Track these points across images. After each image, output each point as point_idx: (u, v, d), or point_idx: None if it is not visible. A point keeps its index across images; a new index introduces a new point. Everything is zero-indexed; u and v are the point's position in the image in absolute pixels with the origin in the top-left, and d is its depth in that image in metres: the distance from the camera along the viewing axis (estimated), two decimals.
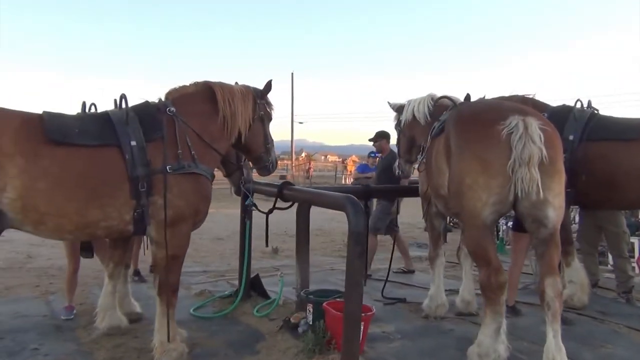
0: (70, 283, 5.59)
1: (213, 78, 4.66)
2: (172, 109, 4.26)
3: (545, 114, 5.56)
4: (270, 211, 5.50)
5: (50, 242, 10.03)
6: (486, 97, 5.66)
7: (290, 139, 46.60)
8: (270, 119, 4.97)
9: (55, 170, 3.78)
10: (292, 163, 42.70)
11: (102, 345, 4.70)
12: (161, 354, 4.23)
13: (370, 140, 8.16)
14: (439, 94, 5.60)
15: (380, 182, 7.65)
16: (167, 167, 4.08)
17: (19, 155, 3.70)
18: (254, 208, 5.71)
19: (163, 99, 4.42)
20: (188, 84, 4.57)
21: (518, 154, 3.67)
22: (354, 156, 50.20)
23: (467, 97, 5.42)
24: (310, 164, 37.64)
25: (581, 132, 5.55)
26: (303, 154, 63.69)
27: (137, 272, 7.20)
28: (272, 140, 5.01)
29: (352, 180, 13.49)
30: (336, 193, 4.70)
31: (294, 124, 45.44)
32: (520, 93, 5.99)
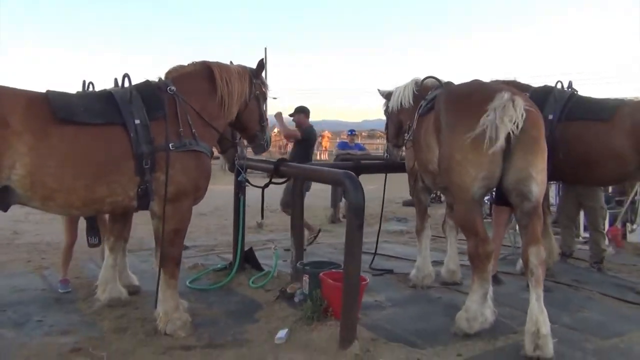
0: (66, 256, 5.70)
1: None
2: (173, 87, 4.38)
3: (527, 94, 5.84)
4: (266, 185, 5.71)
5: (35, 219, 10.10)
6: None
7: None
8: (265, 98, 5.14)
9: (63, 148, 3.89)
10: None
11: (105, 316, 4.86)
12: (165, 323, 4.40)
13: (290, 115, 8.39)
14: (421, 77, 5.81)
15: (297, 154, 7.89)
16: (170, 145, 4.22)
17: (27, 133, 3.79)
18: (247, 184, 5.90)
19: (163, 78, 4.53)
20: (187, 64, 4.70)
21: (495, 106, 3.89)
22: (327, 132, 50.17)
23: (450, 82, 5.62)
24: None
25: (560, 112, 5.82)
26: (276, 130, 63.36)
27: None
28: (267, 119, 5.19)
29: (335, 155, 13.69)
30: (334, 169, 4.90)
31: (268, 99, 45.06)
32: (499, 78, 6.25)
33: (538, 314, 3.95)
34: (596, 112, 5.77)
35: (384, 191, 6.75)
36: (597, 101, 6.05)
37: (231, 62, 5.02)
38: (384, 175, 6.87)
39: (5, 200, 3.93)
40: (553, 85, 6.17)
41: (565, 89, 6.10)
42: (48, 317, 4.83)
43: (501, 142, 3.86)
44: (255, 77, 4.99)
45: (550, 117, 5.81)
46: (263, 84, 5.10)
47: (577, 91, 6.12)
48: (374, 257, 6.62)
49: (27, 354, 4.01)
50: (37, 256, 7.32)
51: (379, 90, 6.45)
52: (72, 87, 5.11)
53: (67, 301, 5.32)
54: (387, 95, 6.25)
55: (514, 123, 3.86)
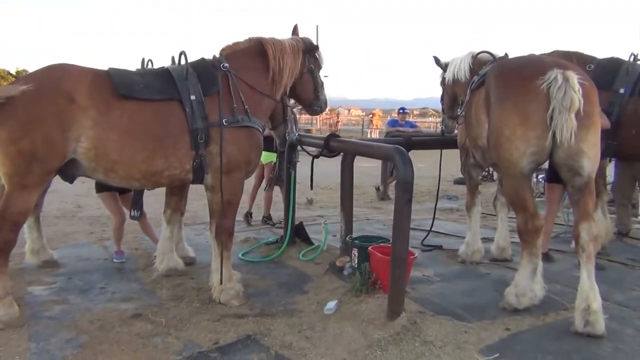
0: (117, 233, 6.00)
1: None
2: (226, 64, 4.51)
3: (592, 66, 5.64)
4: (317, 156, 5.82)
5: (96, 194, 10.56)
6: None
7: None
8: (320, 68, 5.21)
9: (124, 122, 4.09)
10: (318, 117, 42.74)
11: (163, 285, 5.11)
12: (219, 293, 4.60)
13: None
14: (477, 51, 5.70)
15: None
16: (223, 120, 4.36)
17: (92, 108, 4.01)
18: (298, 160, 6.02)
19: (217, 55, 4.65)
20: (241, 41, 4.80)
21: (559, 101, 3.83)
22: (378, 110, 49.79)
23: (506, 55, 5.52)
24: (338, 118, 37.61)
25: (632, 86, 5.59)
26: (327, 108, 63.38)
27: (250, 215, 8.15)
28: (322, 84, 5.27)
29: (384, 133, 13.65)
30: (384, 144, 4.94)
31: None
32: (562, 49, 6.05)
33: (589, 290, 3.91)
34: None
35: (440, 167, 6.71)
36: None
37: (295, 31, 5.11)
38: (434, 154, 6.84)
39: (71, 172, 4.21)
40: (622, 58, 5.91)
41: (636, 62, 5.83)
42: (110, 285, 5.12)
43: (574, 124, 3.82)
44: (309, 51, 5.04)
45: (622, 91, 5.58)
46: (318, 55, 5.16)
47: None
48: (428, 234, 6.65)
49: (91, 318, 4.27)
50: (99, 228, 7.70)
51: (435, 59, 6.32)
52: (132, 65, 5.37)
53: (128, 271, 5.61)
54: (444, 67, 6.17)
55: (578, 103, 3.82)
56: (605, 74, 5.57)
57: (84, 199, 10.04)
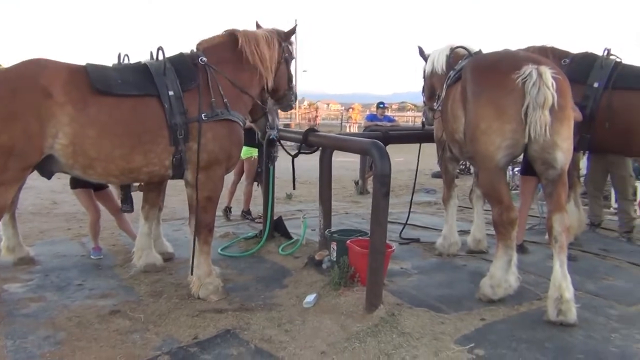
0: (93, 230, 5.93)
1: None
2: (204, 58, 4.49)
3: (567, 60, 5.74)
4: (296, 155, 5.85)
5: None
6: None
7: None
8: (293, 58, 5.23)
9: (102, 118, 4.06)
10: (297, 111, 42.74)
11: (142, 281, 5.09)
12: (199, 288, 4.60)
13: None
14: (456, 44, 5.75)
15: None
16: (202, 115, 4.35)
17: (69, 104, 3.97)
18: (277, 155, 6.03)
19: (195, 50, 4.63)
20: (216, 35, 4.78)
21: (533, 98, 3.92)
22: (357, 104, 49.93)
23: (480, 50, 5.57)
24: (317, 113, 37.67)
25: (606, 80, 5.70)
26: (305, 103, 63.45)
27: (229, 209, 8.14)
28: (292, 77, 5.30)
29: (363, 127, 13.71)
30: (361, 139, 4.98)
31: (297, 72, 45.23)
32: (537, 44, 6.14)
33: (561, 280, 4.01)
34: None
35: (418, 161, 6.76)
36: None
37: (257, 24, 5.11)
38: (412, 147, 6.90)
39: (49, 168, 4.17)
40: (596, 53, 6.02)
41: (609, 56, 5.95)
42: (88, 281, 5.08)
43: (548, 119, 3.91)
44: (284, 40, 5.03)
45: (596, 85, 5.69)
46: (291, 45, 5.15)
47: (620, 59, 5.97)
48: (404, 227, 6.72)
49: (68, 315, 4.24)
50: (75, 225, 7.62)
51: (420, 49, 6.32)
52: (108, 60, 5.27)
53: (106, 267, 5.57)
54: (426, 58, 6.20)
55: (552, 100, 3.91)
56: (579, 69, 5.69)
57: (59, 195, 9.91)
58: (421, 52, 6.29)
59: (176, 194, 8.79)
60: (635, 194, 7.66)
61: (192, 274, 4.66)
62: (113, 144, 4.09)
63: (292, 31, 5.12)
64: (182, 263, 5.44)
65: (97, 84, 4.07)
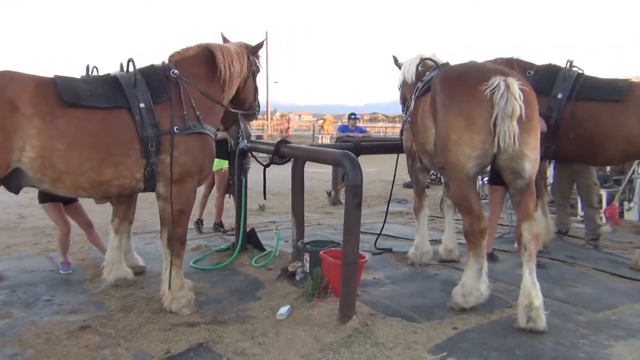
0: (63, 244, 5.82)
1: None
2: (176, 71, 4.48)
3: (531, 72, 5.90)
4: (268, 165, 5.86)
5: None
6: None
7: (265, 98, 46.53)
8: (259, 71, 5.30)
9: (71, 130, 4.00)
10: (269, 122, 42.68)
11: (112, 295, 5.01)
12: (171, 301, 4.55)
13: None
14: (426, 55, 5.82)
15: None
16: (175, 128, 4.33)
17: (36, 116, 3.90)
18: (249, 166, 6.03)
19: (166, 62, 4.62)
20: (190, 47, 4.78)
21: (501, 109, 4.00)
22: (329, 115, 50.15)
23: (447, 63, 5.64)
24: (289, 124, 37.71)
25: (569, 91, 5.86)
26: (277, 114, 63.51)
27: (201, 222, 8.05)
28: (258, 89, 5.39)
29: (335, 138, 13.78)
30: (333, 150, 5.02)
31: (269, 83, 45.26)
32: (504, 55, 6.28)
33: (531, 288, 4.08)
34: (608, 92, 5.79)
35: (395, 171, 6.79)
36: (606, 81, 6.08)
37: (222, 35, 5.19)
38: (384, 158, 6.96)
39: (16, 182, 4.08)
40: (559, 64, 6.19)
41: (571, 68, 6.11)
42: (57, 296, 4.98)
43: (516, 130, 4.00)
44: (252, 53, 5.10)
45: (560, 96, 5.85)
46: (258, 58, 5.22)
47: (583, 70, 6.14)
48: (378, 237, 6.75)
49: (37, 332, 4.14)
50: (43, 239, 7.47)
51: (394, 58, 6.35)
52: (77, 72, 5.22)
53: (75, 282, 5.47)
54: (400, 67, 6.23)
55: (519, 110, 4.00)
56: (544, 80, 5.83)
57: (27, 210, 9.71)
58: (395, 62, 6.33)
59: (147, 206, 8.69)
60: (600, 201, 7.87)
61: (165, 287, 4.61)
62: (82, 157, 4.04)
63: (260, 45, 5.19)
64: (154, 277, 5.36)
65: (65, 96, 4.02)
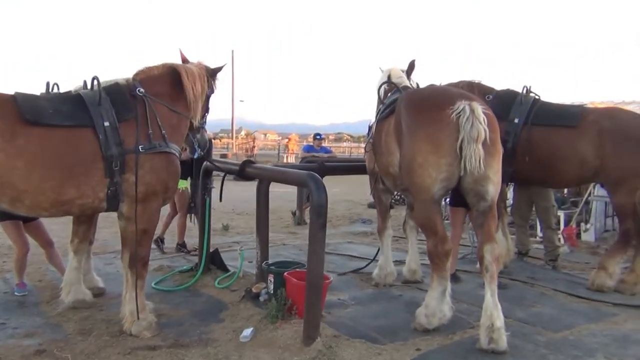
0: (20, 265, 5.66)
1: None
2: (142, 89, 4.45)
3: (490, 96, 6.07)
4: (225, 175, 5.93)
5: None
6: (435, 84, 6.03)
7: (230, 117, 46.42)
8: (213, 92, 5.27)
9: (31, 149, 3.91)
10: (234, 141, 42.49)
11: (70, 318, 4.87)
12: (131, 324, 4.44)
13: None
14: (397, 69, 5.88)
15: None
16: (140, 147, 4.28)
17: None
18: (213, 186, 5.99)
19: (131, 80, 4.58)
20: (154, 66, 4.76)
21: (467, 133, 4.08)
22: (294, 134, 50.31)
23: (406, 87, 5.72)
24: (254, 143, 37.62)
25: (525, 116, 6.05)
26: (243, 133, 63.31)
27: (162, 240, 7.86)
28: (209, 110, 5.37)
29: (300, 158, 13.81)
30: (298, 170, 5.03)
31: (234, 102, 45.22)
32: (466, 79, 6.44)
33: (492, 309, 4.14)
34: (563, 118, 6.03)
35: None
36: (561, 107, 6.33)
37: (181, 52, 5.15)
38: (349, 178, 6.99)
39: None
40: (516, 90, 6.38)
41: (528, 93, 6.32)
42: (11, 319, 4.81)
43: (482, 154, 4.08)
44: (211, 76, 5.11)
45: (516, 120, 6.05)
46: (215, 81, 5.23)
47: (539, 96, 6.35)
48: (369, 263, 6.64)
49: None
50: None
51: (380, 69, 6.29)
52: (36, 89, 5.11)
53: (31, 304, 5.30)
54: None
55: (484, 134, 4.09)
56: (502, 105, 6.00)
57: None
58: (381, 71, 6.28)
59: (108, 225, 8.51)
60: (558, 223, 8.08)
61: (125, 309, 4.50)
62: (43, 176, 3.95)
63: (219, 69, 5.21)
64: (114, 298, 5.23)
65: (26, 114, 3.93)
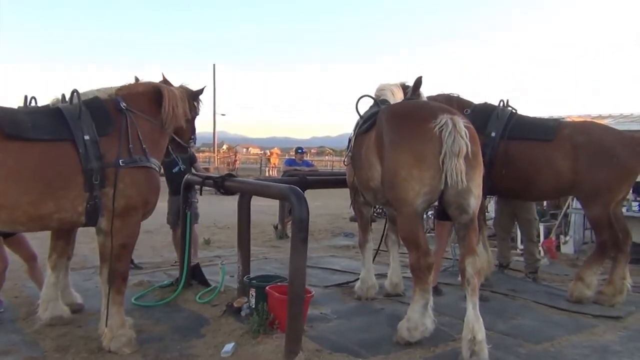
0: None
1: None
2: (124, 104, 4.44)
3: (468, 110, 6.14)
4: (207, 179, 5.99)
5: None
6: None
7: (212, 131, 46.38)
8: (198, 114, 5.44)
9: (9, 163, 3.86)
10: (216, 155, 42.36)
11: (47, 335, 4.78)
12: (110, 340, 4.38)
13: None
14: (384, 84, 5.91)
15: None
16: (120, 161, 4.25)
17: None
18: (196, 200, 5.96)
19: (113, 94, 4.57)
20: (137, 83, 4.87)
21: (449, 147, 4.12)
22: (276, 148, 50.36)
23: (386, 100, 5.72)
24: (236, 157, 37.57)
25: (503, 130, 6.14)
26: (224, 146, 63.17)
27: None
28: (195, 131, 5.55)
29: (282, 172, 13.79)
30: (280, 184, 5.02)
31: (216, 116, 45.21)
32: (445, 92, 6.51)
33: (474, 322, 4.15)
34: (539, 132, 6.12)
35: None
36: (537, 121, 6.43)
37: (163, 76, 5.31)
38: (331, 192, 7.01)
39: None
40: (493, 103, 6.49)
41: (505, 107, 6.41)
42: None
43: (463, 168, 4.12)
44: (193, 98, 5.26)
45: (493, 134, 6.13)
46: (198, 102, 5.39)
47: (515, 110, 6.44)
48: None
49: None
50: None
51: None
52: (11, 102, 5.06)
53: (7, 321, 5.20)
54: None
55: (466, 148, 4.13)
56: (479, 118, 6.07)
57: None
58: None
59: (87, 240, 8.39)
60: (539, 235, 8.16)
61: (104, 325, 4.44)
62: (20, 190, 3.90)
63: (200, 92, 5.35)
64: (92, 315, 5.16)
65: (5, 127, 3.89)
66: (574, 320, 5.38)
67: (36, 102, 4.85)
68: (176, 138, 5.17)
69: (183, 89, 5.18)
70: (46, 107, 4.47)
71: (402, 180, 4.34)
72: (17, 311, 5.48)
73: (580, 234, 9.37)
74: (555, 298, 6.08)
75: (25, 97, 4.85)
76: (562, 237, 9.27)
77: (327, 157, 56.79)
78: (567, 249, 9.12)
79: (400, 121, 4.61)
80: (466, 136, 4.16)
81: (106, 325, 4.43)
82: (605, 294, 5.91)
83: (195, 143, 5.74)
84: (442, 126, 4.20)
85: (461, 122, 4.23)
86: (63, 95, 4.46)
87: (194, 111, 5.31)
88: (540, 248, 8.20)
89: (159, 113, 4.76)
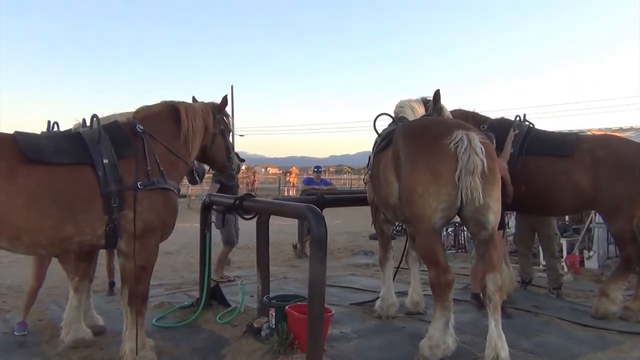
0: (30, 299, 5.63)
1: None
2: (141, 127, 4.50)
3: (485, 126, 6.12)
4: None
5: None
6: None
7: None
8: (229, 130, 5.39)
9: (31, 187, 3.93)
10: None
11: (69, 357, 4.81)
12: None
13: None
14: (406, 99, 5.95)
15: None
16: (138, 184, 4.30)
17: None
18: (213, 221, 5.98)
19: (131, 117, 4.64)
20: (154, 104, 4.88)
21: (464, 164, 4.11)
22: (294, 168, 50.55)
23: (403, 118, 5.76)
24: (255, 177, 37.76)
25: (520, 145, 6.10)
26: (243, 167, 63.51)
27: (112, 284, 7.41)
28: (233, 148, 5.42)
29: (300, 191, 13.83)
30: (297, 203, 5.04)
31: (235, 136, 45.60)
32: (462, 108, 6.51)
33: (497, 339, 4.10)
34: (558, 147, 6.07)
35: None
36: (555, 136, 6.37)
37: (194, 98, 5.29)
38: (350, 210, 7.00)
39: None
40: (510, 118, 6.47)
41: (522, 122, 6.38)
42: None
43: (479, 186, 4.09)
44: (218, 112, 5.22)
45: (511, 150, 6.09)
46: (226, 116, 5.34)
47: (533, 124, 6.41)
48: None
49: None
50: None
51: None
52: (36, 127, 5.22)
53: (30, 344, 5.24)
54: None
55: (481, 165, 4.11)
56: (496, 134, 6.05)
57: None
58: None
59: None
60: (561, 251, 8.04)
61: (125, 347, 4.46)
62: (42, 214, 3.96)
63: (224, 103, 5.31)
64: (114, 336, 5.17)
65: (27, 152, 3.97)
66: (599, 336, 5.26)
67: (58, 127, 4.97)
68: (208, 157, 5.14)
69: (203, 104, 5.18)
70: (67, 131, 4.57)
71: (419, 197, 4.33)
72: (40, 334, 5.52)
73: (605, 248, 9.22)
74: (580, 314, 5.98)
75: (49, 122, 4.98)
76: (585, 252, 9.12)
77: (345, 175, 56.84)
78: (591, 264, 8.97)
79: (416, 138, 4.62)
80: (482, 152, 4.15)
81: (127, 347, 4.45)
82: (631, 309, 5.79)
83: (238, 167, 5.53)
84: (457, 142, 4.20)
85: (476, 139, 4.22)
86: (84, 120, 4.55)
87: (222, 125, 5.22)
88: (564, 264, 8.08)
89: (178, 131, 4.78)
